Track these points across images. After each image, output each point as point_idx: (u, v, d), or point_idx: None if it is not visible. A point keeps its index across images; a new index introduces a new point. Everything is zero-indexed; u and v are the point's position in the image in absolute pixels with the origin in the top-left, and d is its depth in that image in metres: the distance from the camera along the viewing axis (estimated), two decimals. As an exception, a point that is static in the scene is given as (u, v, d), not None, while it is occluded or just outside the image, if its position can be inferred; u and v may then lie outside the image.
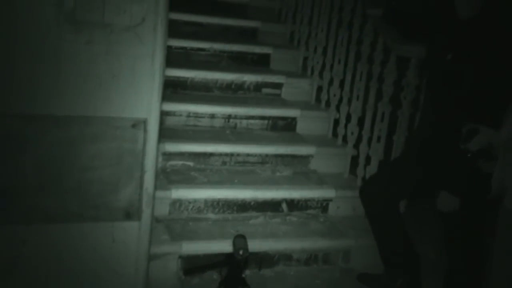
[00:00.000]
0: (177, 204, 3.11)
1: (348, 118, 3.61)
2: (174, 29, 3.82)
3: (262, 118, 3.74)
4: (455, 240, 2.73)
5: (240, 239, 2.34)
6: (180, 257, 2.85)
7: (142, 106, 2.13)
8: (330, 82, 3.81)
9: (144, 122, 2.15)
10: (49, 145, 2.03)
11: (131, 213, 2.26)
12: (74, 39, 1.93)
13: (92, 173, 2.14)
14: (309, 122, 3.82)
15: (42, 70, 1.94)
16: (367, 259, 3.12)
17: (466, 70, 2.53)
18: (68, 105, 2.01)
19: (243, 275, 2.34)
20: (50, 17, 1.90)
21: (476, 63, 2.49)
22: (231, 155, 3.46)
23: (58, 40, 1.92)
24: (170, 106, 3.47)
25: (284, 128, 3.78)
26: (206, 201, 3.16)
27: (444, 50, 2.63)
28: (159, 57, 2.08)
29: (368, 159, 3.43)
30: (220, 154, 3.44)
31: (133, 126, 2.14)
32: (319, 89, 3.96)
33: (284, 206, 3.31)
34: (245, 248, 2.30)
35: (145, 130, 2.16)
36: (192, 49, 3.96)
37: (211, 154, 3.42)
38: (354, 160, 3.57)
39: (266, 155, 3.53)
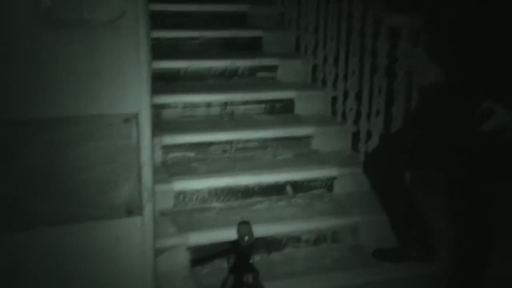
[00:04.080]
0: (181, 196, 3.10)
1: (346, 94, 3.57)
2: (161, 21, 3.83)
3: (259, 102, 3.70)
4: (462, 208, 2.71)
5: (244, 226, 2.33)
6: (189, 248, 2.84)
7: (131, 100, 2.10)
8: (324, 60, 3.77)
9: (136, 116, 2.13)
10: (39, 149, 2.01)
11: (132, 209, 2.24)
12: (54, 39, 1.90)
13: (88, 173, 2.12)
14: (307, 102, 3.78)
15: (24, 74, 1.91)
16: (375, 235, 3.10)
17: (471, 28, 2.47)
18: (54, 106, 1.98)
19: (251, 261, 2.33)
20: (27, 19, 1.86)
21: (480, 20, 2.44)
22: (231, 142, 3.44)
23: (38, 41, 1.89)
24: (164, 99, 3.45)
25: (281, 111, 3.75)
26: (209, 191, 3.14)
27: (447, 13, 2.58)
28: (143, 49, 2.05)
29: (368, 134, 3.40)
30: (220, 142, 3.41)
31: (125, 121, 2.11)
32: (314, 68, 3.92)
33: (288, 188, 3.29)
34: (250, 234, 2.28)
35: (137, 125, 2.14)
36: (182, 39, 3.92)
37: (210, 143, 3.40)
38: (355, 137, 3.54)
39: (266, 140, 3.50)
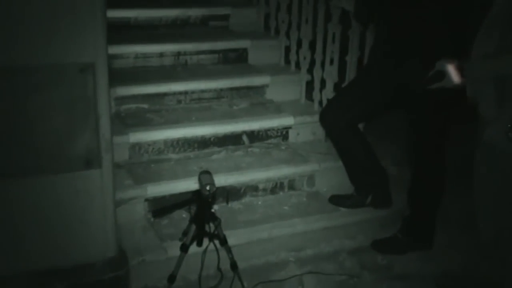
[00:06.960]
0: (136, 147, 3.06)
1: (299, 43, 3.57)
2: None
3: (213, 52, 3.65)
4: (418, 151, 2.79)
5: (205, 175, 2.33)
6: (147, 200, 2.83)
7: (87, 49, 2.03)
8: (278, 8, 3.74)
9: (92, 65, 2.06)
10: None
11: (91, 161, 2.20)
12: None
13: (45, 123, 2.06)
14: (261, 52, 3.75)
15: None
16: (331, 181, 3.18)
17: None
18: (7, 54, 1.89)
19: (212, 210, 2.35)
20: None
21: None
22: (185, 93, 3.40)
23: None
24: (116, 49, 3.34)
25: (235, 60, 3.71)
26: (165, 142, 3.12)
27: None
28: (99, -4, 1.97)
29: (323, 83, 3.43)
30: (174, 93, 3.37)
31: (81, 71, 2.05)
32: (267, 16, 3.89)
33: (244, 138, 3.30)
34: (212, 183, 2.29)
35: (94, 74, 2.07)
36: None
37: (165, 94, 3.34)
38: (310, 85, 3.56)
39: (221, 90, 3.47)
